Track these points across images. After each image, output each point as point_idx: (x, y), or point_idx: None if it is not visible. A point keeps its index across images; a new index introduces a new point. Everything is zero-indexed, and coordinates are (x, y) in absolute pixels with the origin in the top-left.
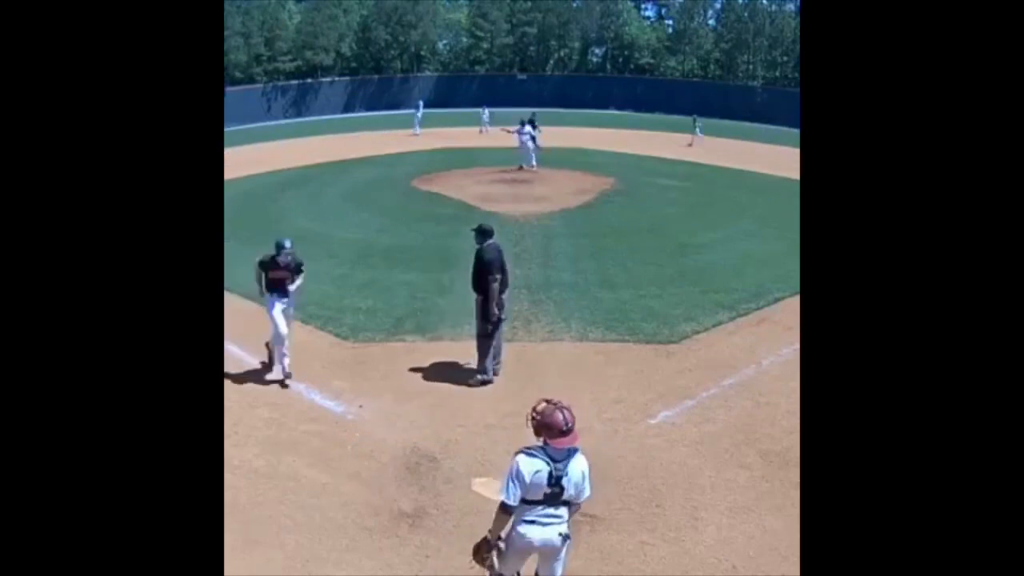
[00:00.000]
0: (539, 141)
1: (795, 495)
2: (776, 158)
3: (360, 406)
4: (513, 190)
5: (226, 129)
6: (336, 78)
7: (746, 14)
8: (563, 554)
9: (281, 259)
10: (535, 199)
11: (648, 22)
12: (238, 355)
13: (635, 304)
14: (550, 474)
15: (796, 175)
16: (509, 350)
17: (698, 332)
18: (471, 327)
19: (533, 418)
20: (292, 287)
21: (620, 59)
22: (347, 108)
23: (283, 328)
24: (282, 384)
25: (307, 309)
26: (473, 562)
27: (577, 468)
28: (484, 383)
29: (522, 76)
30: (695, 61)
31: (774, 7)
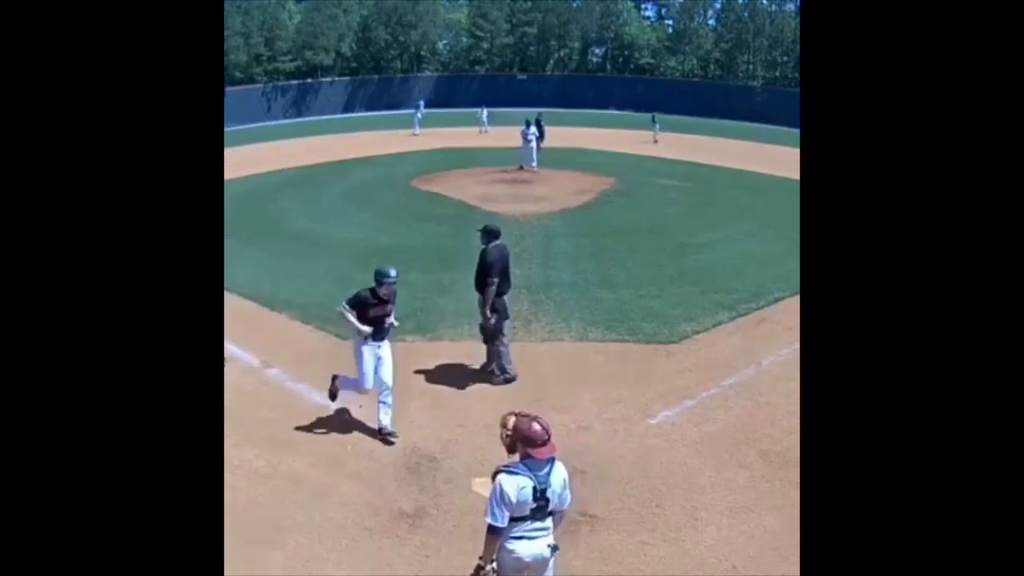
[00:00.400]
0: (544, 142)
1: (795, 495)
2: (776, 158)
3: (360, 406)
4: (513, 190)
5: (226, 129)
6: (336, 78)
7: (746, 14)
8: (551, 564)
9: (384, 291)
10: (535, 199)
11: (648, 22)
12: (238, 355)
13: (635, 304)
14: (535, 488)
15: (796, 175)
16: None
17: (698, 332)
18: (471, 327)
19: (506, 435)
20: (394, 323)
21: (620, 59)
22: (347, 108)
23: (369, 383)
24: (385, 440)
25: (307, 309)
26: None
27: (558, 477)
28: (508, 381)
29: (522, 76)
30: (695, 61)
31: (774, 7)
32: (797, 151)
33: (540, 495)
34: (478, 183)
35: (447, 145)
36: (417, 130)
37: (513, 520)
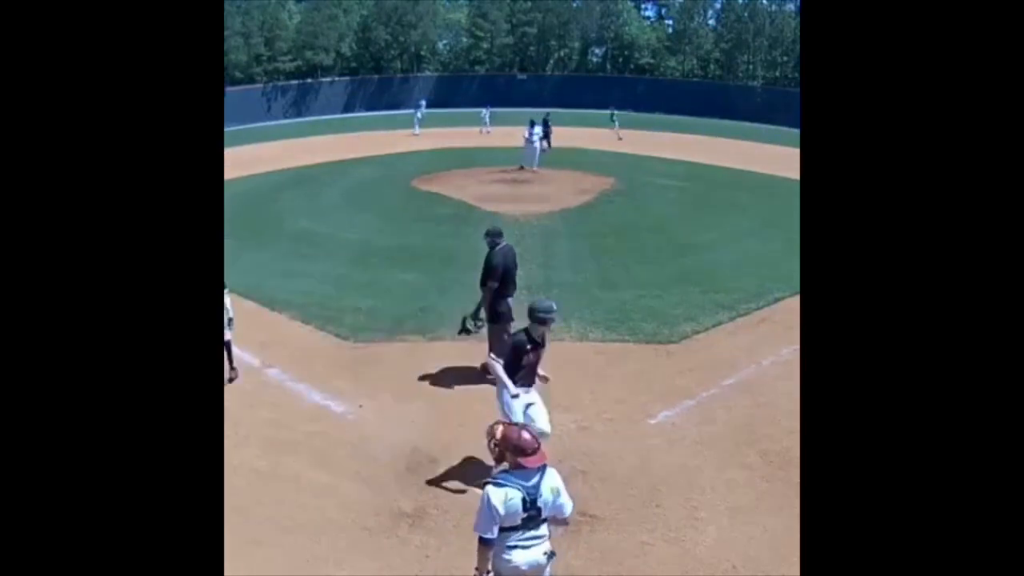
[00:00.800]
0: (549, 141)
1: (795, 495)
2: (776, 158)
3: (360, 406)
4: (513, 190)
5: (226, 129)
6: (336, 78)
7: (746, 14)
8: (548, 571)
9: (541, 331)
10: (535, 199)
11: (648, 22)
12: (238, 355)
13: (635, 304)
14: (524, 499)
15: (796, 175)
16: None
17: (698, 332)
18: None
19: (494, 445)
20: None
21: (620, 59)
22: (347, 108)
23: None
24: None
25: (307, 309)
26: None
27: (549, 485)
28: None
29: (522, 76)
30: (695, 61)
31: (774, 7)
32: (797, 151)
33: (531, 505)
34: (478, 183)
35: (447, 145)
36: (417, 130)
37: (505, 530)
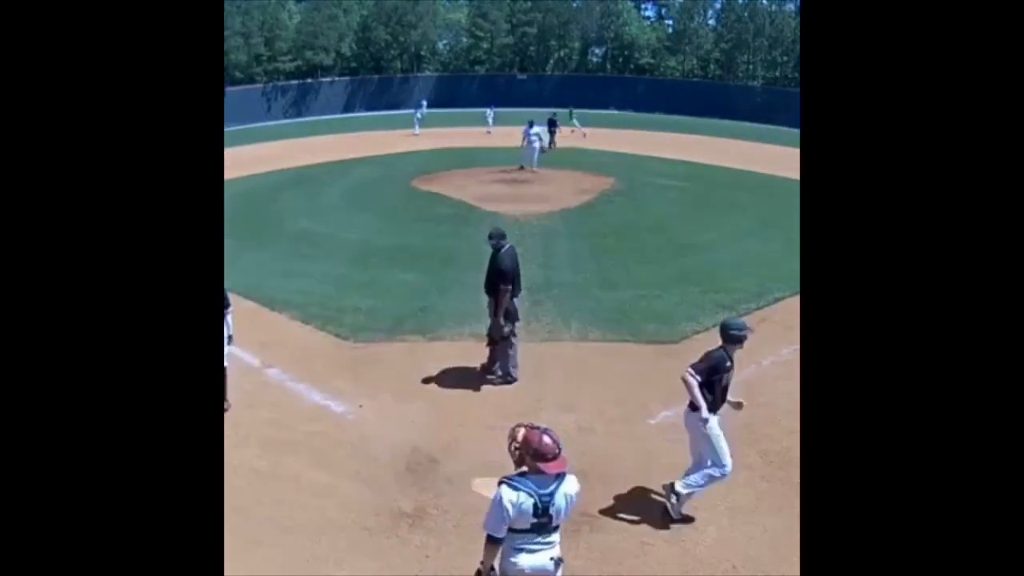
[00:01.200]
0: (554, 140)
1: (795, 495)
2: (776, 158)
3: (360, 406)
4: (513, 190)
5: (226, 129)
6: (336, 78)
7: (746, 14)
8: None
9: (738, 348)
10: (535, 199)
11: (648, 22)
12: (238, 355)
13: (635, 304)
14: (535, 505)
15: (796, 175)
16: None
17: (698, 332)
18: (472, 327)
19: (515, 448)
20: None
21: (620, 59)
22: (347, 108)
23: (729, 459)
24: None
25: (307, 309)
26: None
27: (563, 493)
28: (508, 381)
29: (522, 76)
30: (695, 61)
31: (774, 7)
32: (797, 151)
33: (542, 512)
34: (478, 183)
35: (447, 145)
36: (417, 130)
37: (514, 532)
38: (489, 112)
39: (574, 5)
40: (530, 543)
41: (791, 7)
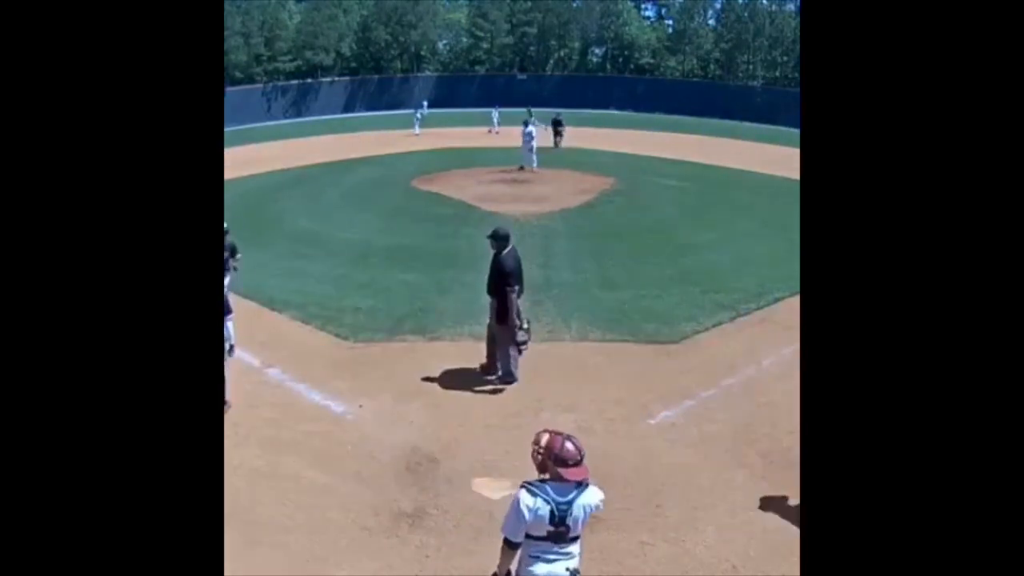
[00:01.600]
0: (559, 141)
1: (795, 495)
2: (776, 158)
3: (360, 406)
4: (513, 190)
5: (226, 129)
6: (336, 78)
7: (746, 14)
8: None
9: None
10: (535, 199)
11: (648, 22)
12: (238, 355)
13: (635, 304)
14: (552, 512)
15: (796, 175)
16: None
17: (698, 332)
18: (472, 327)
19: (538, 452)
20: None
21: (620, 59)
22: (347, 108)
23: None
24: None
25: (307, 309)
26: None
27: (583, 503)
28: (507, 382)
29: (522, 76)
30: (695, 61)
31: (774, 7)
32: (797, 151)
33: (559, 521)
34: (478, 183)
35: (447, 145)
36: (417, 130)
37: (532, 538)
38: (495, 112)
39: (574, 5)
40: (547, 552)
41: (791, 7)
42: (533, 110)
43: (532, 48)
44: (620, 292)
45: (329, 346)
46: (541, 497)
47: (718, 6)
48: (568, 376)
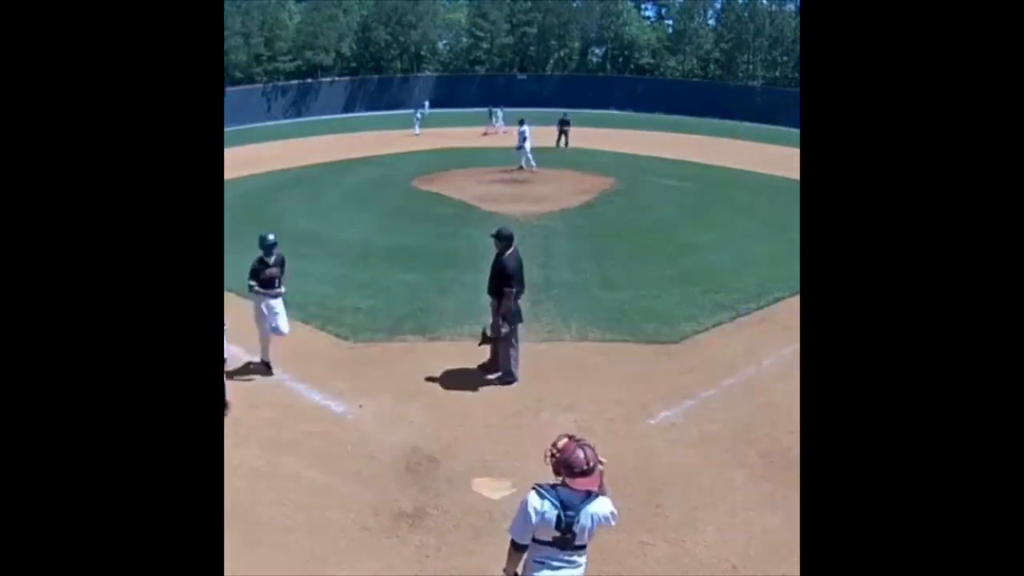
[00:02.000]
0: (567, 140)
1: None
2: (776, 158)
3: (360, 406)
4: (513, 190)
5: (226, 129)
6: (336, 78)
7: (746, 14)
8: None
9: None
10: (535, 199)
11: (648, 22)
12: (238, 355)
13: (635, 304)
14: (559, 518)
15: (796, 175)
16: None
17: (698, 332)
18: (471, 327)
19: (552, 455)
20: None
21: (620, 59)
22: (347, 108)
23: None
24: None
25: (307, 309)
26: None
27: (591, 513)
28: (507, 382)
29: (522, 76)
30: (695, 61)
31: (774, 7)
32: (797, 151)
33: (565, 527)
34: (478, 183)
35: (447, 145)
36: (417, 130)
37: (538, 542)
38: (499, 112)
39: (574, 5)
40: (553, 558)
41: (791, 7)
42: (506, 110)
43: (532, 48)
44: (620, 292)
45: (329, 346)
46: (549, 500)
47: (718, 6)
48: (568, 376)
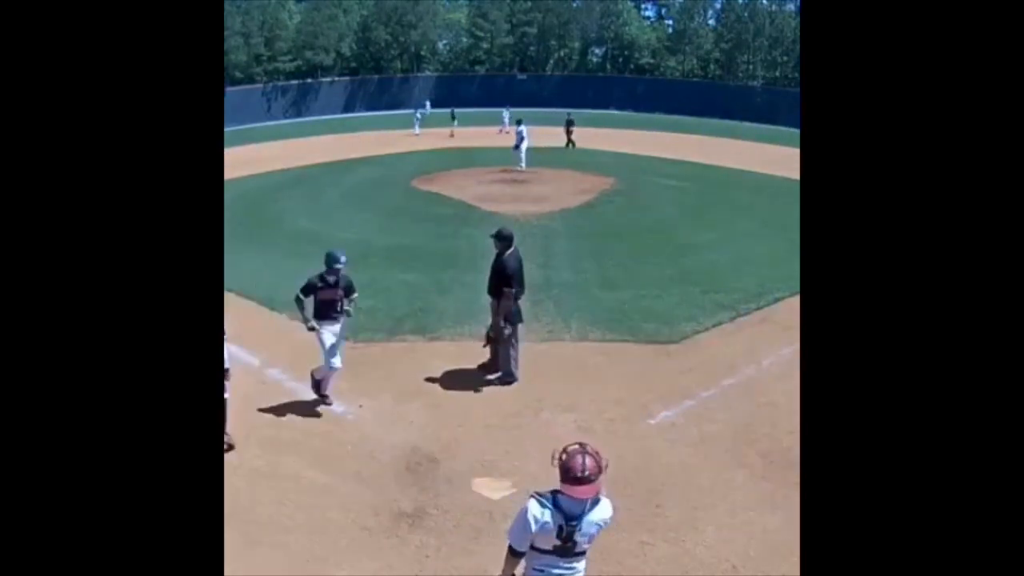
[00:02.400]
0: (573, 141)
1: (795, 495)
2: (776, 158)
3: (360, 406)
4: (513, 190)
5: (226, 129)
6: (336, 78)
7: (746, 14)
8: None
9: None
10: (535, 199)
11: (648, 22)
12: (238, 355)
13: (635, 304)
14: (560, 527)
15: (796, 175)
16: None
17: (698, 332)
18: (471, 327)
19: (559, 460)
20: None
21: (620, 59)
22: (347, 108)
23: None
24: None
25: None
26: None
27: (593, 520)
28: (507, 382)
29: (522, 76)
30: (695, 61)
31: (774, 7)
32: (797, 151)
33: (566, 536)
34: (478, 183)
35: (447, 145)
36: (417, 130)
37: (536, 551)
38: (505, 112)
39: (574, 5)
40: (552, 567)
41: (791, 7)
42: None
43: (532, 48)
44: (620, 292)
45: None
46: (548, 508)
47: (718, 6)
48: (568, 376)
